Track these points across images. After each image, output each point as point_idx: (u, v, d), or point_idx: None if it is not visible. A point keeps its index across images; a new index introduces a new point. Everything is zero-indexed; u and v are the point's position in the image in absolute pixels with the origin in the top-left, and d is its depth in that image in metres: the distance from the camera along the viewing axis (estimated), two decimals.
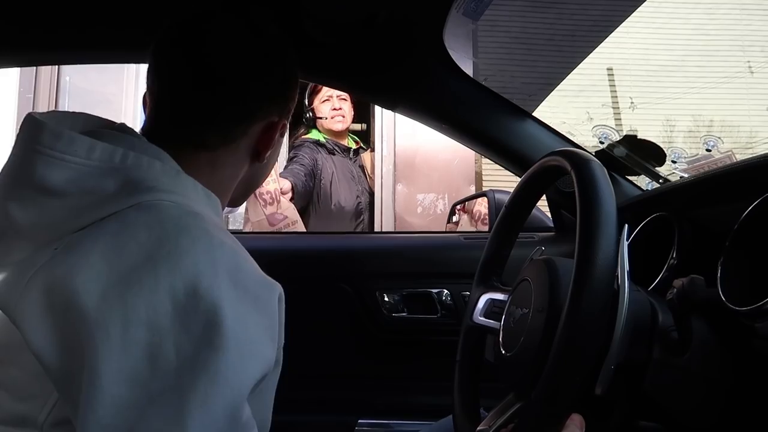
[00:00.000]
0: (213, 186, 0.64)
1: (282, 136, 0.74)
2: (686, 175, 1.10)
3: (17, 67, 1.08)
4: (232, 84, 0.66)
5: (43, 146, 0.52)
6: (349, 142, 2.56)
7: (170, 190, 0.56)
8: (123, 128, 0.64)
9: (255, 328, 0.51)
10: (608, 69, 5.39)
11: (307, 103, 2.42)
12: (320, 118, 2.40)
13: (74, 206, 0.53)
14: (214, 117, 0.66)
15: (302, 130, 2.52)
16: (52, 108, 3.16)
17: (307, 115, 2.44)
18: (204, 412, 0.46)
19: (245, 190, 0.76)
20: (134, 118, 3.24)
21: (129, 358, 0.46)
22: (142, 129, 0.67)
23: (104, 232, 0.51)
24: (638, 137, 1.16)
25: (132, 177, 0.54)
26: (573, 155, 0.68)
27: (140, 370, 0.46)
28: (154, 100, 0.68)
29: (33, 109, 3.17)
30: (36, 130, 0.53)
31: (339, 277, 1.28)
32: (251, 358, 0.50)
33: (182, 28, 0.66)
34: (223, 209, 0.71)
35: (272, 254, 1.33)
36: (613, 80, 5.48)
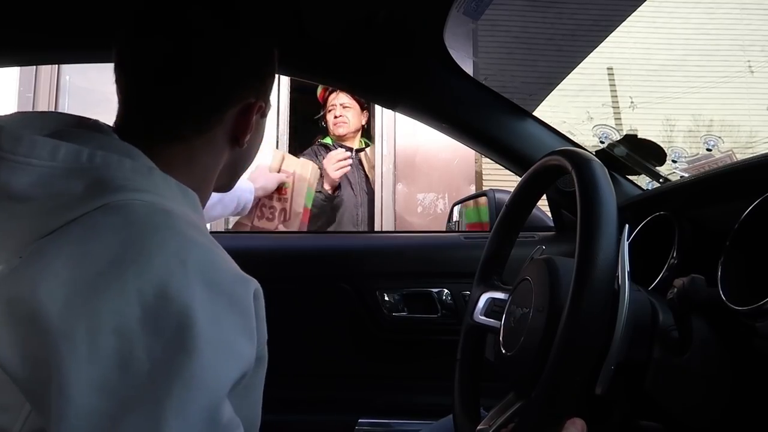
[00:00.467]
0: (192, 178, 0.63)
1: (263, 117, 0.72)
2: (687, 175, 1.10)
3: (17, 66, 1.07)
4: (198, 72, 0.63)
5: (3, 151, 0.50)
6: (358, 144, 2.70)
7: (141, 188, 0.54)
8: (96, 126, 0.62)
9: (230, 328, 0.50)
10: (608, 68, 5.39)
11: (322, 113, 2.68)
12: (327, 126, 2.66)
13: (41, 210, 0.51)
14: (184, 108, 0.64)
15: (319, 137, 2.73)
16: (53, 107, 3.16)
17: (321, 124, 2.70)
18: (181, 417, 0.45)
19: (231, 176, 0.74)
20: None
21: (98, 367, 0.44)
22: (114, 125, 0.65)
23: (69, 238, 0.49)
24: (638, 137, 1.16)
25: (100, 177, 0.53)
26: (573, 155, 0.68)
27: (111, 378, 0.44)
28: (122, 95, 0.65)
29: (33, 108, 3.17)
30: None
31: (339, 277, 1.28)
32: (227, 358, 0.49)
33: (141, 18, 0.64)
34: (206, 200, 0.70)
35: (272, 253, 1.33)
36: (613, 80, 5.48)
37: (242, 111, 0.66)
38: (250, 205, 1.49)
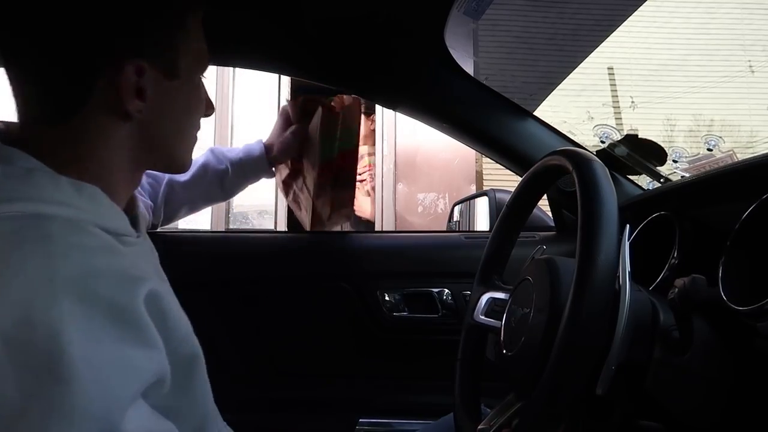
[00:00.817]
0: (88, 167, 0.57)
1: (175, 77, 0.60)
2: (687, 175, 1.10)
3: None
4: (35, 39, 0.54)
5: None
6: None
7: (14, 197, 0.49)
8: None
9: (113, 343, 0.45)
10: (609, 68, 5.40)
11: None
12: None
13: None
14: (48, 83, 0.56)
15: None
16: None
17: None
18: None
19: (157, 153, 0.63)
20: None
21: None
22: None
23: None
24: (639, 137, 1.16)
25: None
26: (574, 155, 0.68)
27: None
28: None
29: None
30: None
31: (340, 276, 1.28)
32: (117, 377, 0.45)
33: None
34: (128, 186, 0.63)
35: (273, 253, 1.33)
36: (614, 79, 5.48)
37: (115, 76, 0.56)
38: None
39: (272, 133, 1.21)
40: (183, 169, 0.69)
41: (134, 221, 0.65)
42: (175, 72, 0.61)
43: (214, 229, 2.95)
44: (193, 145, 0.70)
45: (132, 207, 0.67)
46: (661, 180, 1.14)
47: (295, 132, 1.16)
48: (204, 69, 0.67)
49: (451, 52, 1.09)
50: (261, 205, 3.05)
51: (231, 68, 3.15)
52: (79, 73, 0.56)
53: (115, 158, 0.59)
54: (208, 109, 0.70)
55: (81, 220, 0.52)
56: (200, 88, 0.67)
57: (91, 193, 0.55)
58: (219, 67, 2.89)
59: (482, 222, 1.59)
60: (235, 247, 1.35)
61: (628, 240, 0.64)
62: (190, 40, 0.63)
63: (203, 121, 0.71)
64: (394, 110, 1.24)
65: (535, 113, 1.20)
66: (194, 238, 1.42)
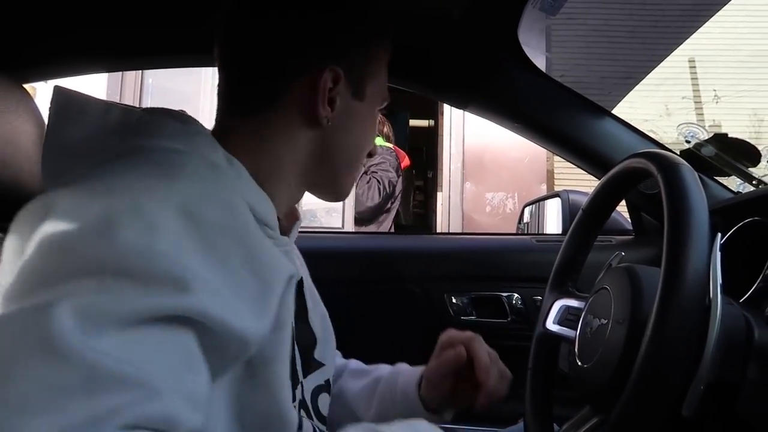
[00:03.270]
0: (261, 158, 0.60)
1: (360, 99, 0.64)
2: None
3: (106, 72, 1.14)
4: (256, 35, 0.60)
5: (59, 106, 0.55)
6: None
7: (175, 140, 0.53)
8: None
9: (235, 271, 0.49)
10: (690, 60, 5.11)
11: None
12: None
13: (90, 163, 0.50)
14: (247, 72, 0.61)
15: None
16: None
17: None
18: None
19: (325, 169, 0.66)
20: (210, 114, 3.38)
21: None
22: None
23: (97, 172, 0.48)
24: (729, 135, 1.09)
25: (141, 130, 0.54)
26: (660, 158, 0.64)
27: None
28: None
29: None
30: None
31: (407, 279, 1.28)
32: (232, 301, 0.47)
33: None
34: (288, 192, 0.64)
35: (340, 255, 1.34)
36: (695, 72, 5.18)
37: (311, 81, 0.60)
38: None
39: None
40: (340, 197, 0.71)
41: (285, 231, 0.65)
42: (361, 94, 0.65)
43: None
44: (357, 177, 0.73)
45: (291, 218, 0.70)
46: (754, 182, 1.06)
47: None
48: (383, 103, 0.70)
49: (524, 48, 1.05)
50: (329, 203, 3.10)
51: None
52: (281, 70, 0.60)
53: (289, 160, 0.63)
54: (374, 148, 0.73)
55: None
56: (376, 122, 0.71)
57: (239, 168, 0.57)
58: None
59: (553, 224, 1.54)
60: (302, 248, 1.36)
61: (720, 249, 0.60)
62: (377, 69, 0.67)
63: None
64: (464, 110, 1.22)
65: (616, 110, 1.15)
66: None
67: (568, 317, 0.82)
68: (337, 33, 0.62)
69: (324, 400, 0.70)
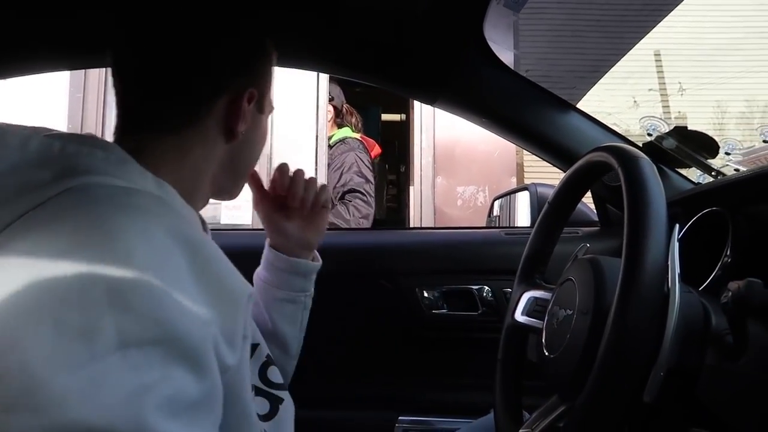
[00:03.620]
0: (184, 174, 0.62)
1: (261, 112, 0.70)
2: (742, 168, 1.05)
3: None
4: (184, 59, 0.62)
5: None
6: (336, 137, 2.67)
7: (110, 173, 0.53)
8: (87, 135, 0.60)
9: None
10: (656, 53, 5.21)
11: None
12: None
13: (8, 199, 0.49)
14: (172, 94, 0.62)
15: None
16: (101, 105, 3.27)
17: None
18: None
19: (232, 176, 0.71)
20: None
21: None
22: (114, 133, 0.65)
23: (35, 222, 0.47)
24: (689, 128, 1.12)
25: (69, 164, 0.52)
26: (620, 151, 0.66)
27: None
28: (117, 98, 0.64)
29: (83, 107, 3.28)
30: None
31: (379, 274, 1.28)
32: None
33: (128, 18, 0.63)
34: (203, 202, 0.68)
35: None
36: (661, 64, 5.29)
37: (233, 100, 0.64)
38: None
39: None
40: (234, 197, 0.75)
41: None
42: (263, 107, 0.70)
43: (254, 225, 2.99)
44: None
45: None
46: (713, 173, 1.09)
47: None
48: (272, 112, 0.74)
49: (491, 44, 1.06)
50: None
51: None
52: (209, 92, 0.63)
53: (207, 172, 0.66)
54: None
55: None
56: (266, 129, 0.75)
57: (170, 191, 0.58)
58: None
59: (523, 217, 1.56)
60: None
61: (678, 238, 0.61)
62: (270, 82, 0.72)
63: None
64: (432, 105, 1.22)
65: (581, 102, 1.17)
66: (234, 235, 1.44)
67: (536, 308, 0.83)
68: (251, 56, 0.67)
69: (273, 372, 0.75)
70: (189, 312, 0.46)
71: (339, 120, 2.68)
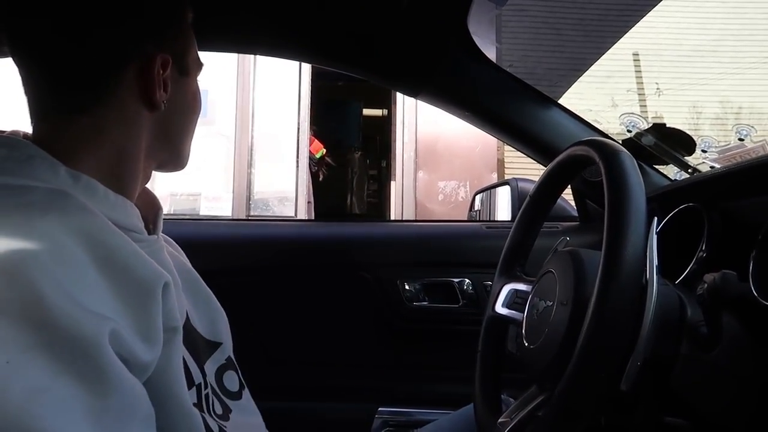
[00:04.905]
0: (105, 156, 0.58)
1: (185, 74, 0.66)
2: (717, 165, 1.07)
3: None
4: (79, 29, 0.57)
5: None
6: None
7: (12, 173, 0.51)
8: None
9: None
10: (634, 54, 5.29)
11: None
12: None
13: None
14: (72, 72, 0.58)
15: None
16: None
17: None
18: None
19: (168, 146, 0.67)
20: None
21: None
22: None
23: None
24: (667, 125, 1.14)
25: None
26: (601, 145, 0.67)
27: None
28: (23, 84, 0.60)
29: None
30: None
31: (359, 266, 1.28)
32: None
33: None
34: (140, 178, 0.63)
35: (292, 242, 1.34)
36: (639, 65, 5.37)
37: (143, 69, 0.60)
38: None
39: None
40: (183, 166, 0.72)
41: (148, 222, 0.65)
42: (186, 69, 0.66)
43: (235, 216, 2.97)
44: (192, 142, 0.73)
45: (150, 207, 0.68)
46: (690, 170, 1.11)
47: None
48: (201, 69, 0.71)
49: (474, 38, 1.07)
50: (281, 191, 3.06)
51: (252, 56, 3.15)
52: (114, 61, 0.59)
53: (133, 148, 0.62)
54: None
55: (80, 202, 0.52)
56: (198, 87, 0.71)
57: (88, 183, 0.55)
58: (240, 55, 2.89)
59: (503, 212, 1.57)
60: (255, 235, 1.35)
61: (656, 232, 0.62)
62: (190, 40, 0.68)
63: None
64: (415, 98, 1.23)
65: (563, 100, 1.18)
66: (215, 225, 1.42)
67: (516, 300, 0.84)
68: (158, 19, 0.63)
69: (229, 378, 0.71)
70: (78, 310, 0.44)
71: None
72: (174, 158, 0.70)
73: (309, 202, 2.78)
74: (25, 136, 0.59)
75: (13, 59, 0.60)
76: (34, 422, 0.39)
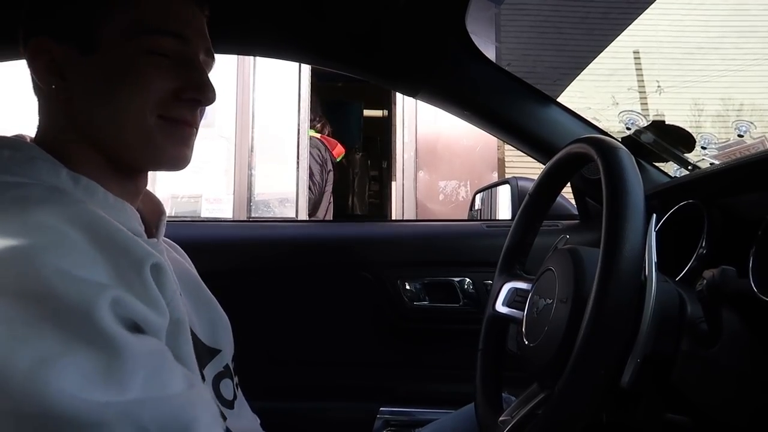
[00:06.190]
0: (67, 153, 0.57)
1: (90, 53, 0.56)
2: (717, 162, 1.07)
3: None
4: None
5: None
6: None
7: (15, 173, 0.52)
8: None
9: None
10: (635, 52, 5.28)
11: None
12: None
13: None
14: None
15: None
16: None
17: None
18: None
19: (99, 143, 0.58)
20: None
21: None
22: None
23: None
24: (666, 122, 1.13)
25: None
26: (599, 142, 0.67)
27: None
28: None
29: None
30: None
31: (360, 265, 1.28)
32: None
33: None
34: (121, 184, 0.60)
35: (293, 242, 1.34)
36: (640, 63, 5.36)
37: (32, 54, 0.57)
38: None
39: None
40: (154, 162, 0.61)
41: (151, 226, 0.65)
42: (91, 45, 0.56)
43: (236, 217, 2.98)
44: (158, 131, 0.59)
45: (153, 211, 0.68)
46: (689, 167, 1.11)
47: None
48: (147, 37, 0.57)
49: (473, 37, 1.07)
50: (282, 193, 3.06)
51: (251, 57, 3.15)
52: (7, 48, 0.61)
53: (65, 139, 0.58)
54: (198, 91, 0.61)
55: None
56: (147, 60, 0.57)
57: (87, 185, 0.55)
58: (240, 56, 2.90)
59: (504, 210, 1.57)
60: (256, 236, 1.36)
61: (655, 229, 0.62)
62: (113, 9, 0.57)
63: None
64: (414, 98, 1.23)
65: (563, 98, 1.18)
66: (216, 226, 1.43)
67: (516, 299, 0.84)
68: (21, 3, 0.58)
69: (225, 386, 0.69)
70: (76, 280, 0.45)
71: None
72: (125, 155, 0.59)
73: (330, 203, 2.83)
74: (32, 140, 0.60)
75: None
76: (46, 388, 0.40)
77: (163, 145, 0.60)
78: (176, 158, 0.61)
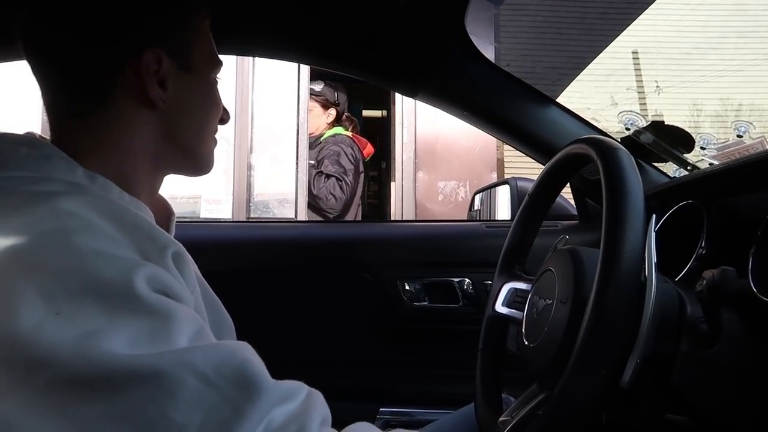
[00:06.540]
0: (106, 156, 0.59)
1: (189, 71, 0.63)
2: (716, 162, 1.07)
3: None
4: (68, 25, 0.58)
5: None
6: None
7: (31, 171, 0.53)
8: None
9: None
10: (634, 52, 5.28)
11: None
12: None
13: None
14: (67, 76, 0.59)
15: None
16: None
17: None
18: None
19: (175, 149, 0.65)
20: None
21: None
22: None
23: None
24: (665, 123, 1.13)
25: None
26: (599, 143, 0.67)
27: None
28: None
29: None
30: None
31: (360, 266, 1.28)
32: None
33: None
34: (150, 182, 0.64)
35: (293, 243, 1.34)
36: (638, 63, 5.36)
37: (134, 68, 0.59)
38: None
39: None
40: (202, 170, 0.70)
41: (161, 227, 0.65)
42: (190, 66, 0.64)
43: (235, 218, 2.98)
44: (213, 146, 0.71)
45: (163, 213, 0.69)
46: (689, 168, 1.11)
47: None
48: (216, 69, 0.69)
49: (472, 37, 1.07)
50: (281, 193, 3.06)
51: (251, 58, 3.15)
52: (104, 63, 0.59)
53: (138, 149, 0.62)
54: (225, 114, 0.72)
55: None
56: (216, 89, 0.69)
57: (104, 183, 0.57)
58: (239, 56, 2.89)
59: (503, 211, 1.57)
60: (256, 237, 1.35)
61: (655, 230, 0.62)
62: (201, 39, 0.66)
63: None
64: (413, 98, 1.23)
65: (563, 98, 1.18)
66: (216, 227, 1.43)
67: (516, 299, 0.84)
68: (146, 14, 0.61)
69: None
70: (111, 257, 0.46)
71: (336, 123, 2.90)
72: (189, 161, 0.68)
73: (358, 205, 2.78)
74: (40, 137, 0.60)
75: (29, 63, 0.61)
76: (98, 353, 0.41)
77: (208, 155, 0.71)
78: (211, 167, 0.72)
